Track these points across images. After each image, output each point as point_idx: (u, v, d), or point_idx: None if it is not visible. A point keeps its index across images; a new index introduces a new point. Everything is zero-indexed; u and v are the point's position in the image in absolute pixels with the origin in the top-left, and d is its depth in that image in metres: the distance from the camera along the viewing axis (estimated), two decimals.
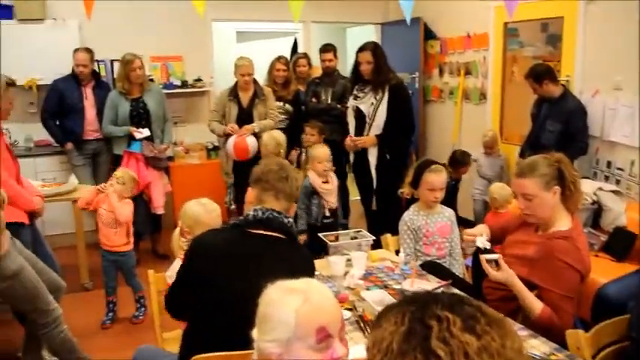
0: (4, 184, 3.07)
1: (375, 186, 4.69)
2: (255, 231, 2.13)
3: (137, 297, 4.14)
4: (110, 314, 4.07)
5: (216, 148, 6.12)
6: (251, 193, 2.34)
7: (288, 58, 5.90)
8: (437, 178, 3.22)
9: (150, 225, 5.21)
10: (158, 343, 2.65)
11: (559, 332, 2.19)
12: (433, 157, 4.93)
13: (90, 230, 4.95)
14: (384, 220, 4.51)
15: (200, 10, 2.86)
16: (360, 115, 4.61)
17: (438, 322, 0.90)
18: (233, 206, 5.24)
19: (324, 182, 4.18)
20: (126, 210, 3.93)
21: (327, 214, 4.25)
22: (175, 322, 2.79)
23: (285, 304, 1.32)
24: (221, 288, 2.02)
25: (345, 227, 4.49)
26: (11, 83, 3.47)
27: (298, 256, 2.18)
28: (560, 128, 4.53)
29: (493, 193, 4.59)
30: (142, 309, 4.14)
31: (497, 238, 2.87)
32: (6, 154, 3.40)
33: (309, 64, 5.90)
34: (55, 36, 5.57)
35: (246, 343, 1.76)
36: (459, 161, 5.25)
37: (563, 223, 2.49)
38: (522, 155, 5.01)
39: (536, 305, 2.34)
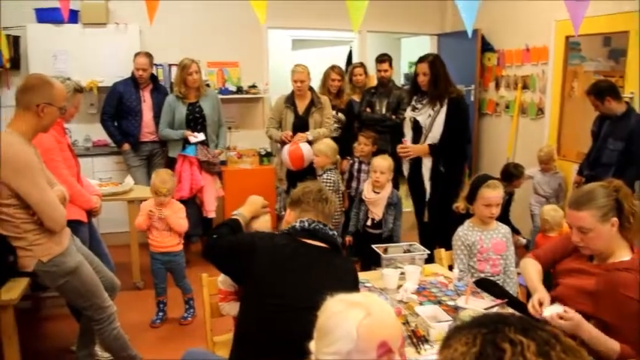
0: (66, 183, 3.15)
1: (427, 198, 4.64)
2: (304, 240, 2.19)
3: (186, 298, 4.19)
4: (160, 314, 4.14)
5: (268, 154, 6.17)
6: (290, 215, 2.38)
7: (344, 66, 5.92)
8: (493, 193, 3.16)
9: (201, 228, 5.28)
10: (208, 346, 2.67)
11: None
12: (486, 171, 4.88)
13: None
14: (435, 234, 4.46)
15: (261, 17, 2.88)
16: (417, 127, 4.56)
17: (511, 346, 0.88)
18: (284, 213, 5.25)
19: (375, 192, 4.18)
20: (182, 220, 4.05)
21: (369, 223, 4.25)
22: (226, 325, 2.83)
23: (348, 318, 1.31)
24: (276, 294, 2.04)
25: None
26: (79, 89, 3.57)
27: (344, 267, 2.23)
28: (621, 147, 4.37)
29: (544, 215, 4.40)
30: (191, 310, 4.19)
31: (548, 264, 2.75)
32: (68, 153, 3.50)
33: (366, 74, 5.90)
34: (116, 40, 5.73)
35: (298, 352, 1.78)
36: (511, 174, 5.12)
37: (622, 253, 2.34)
38: (581, 173, 4.90)
39: (614, 345, 2.15)
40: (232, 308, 2.58)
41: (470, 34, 2.78)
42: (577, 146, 5.33)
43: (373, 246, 3.09)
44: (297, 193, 2.36)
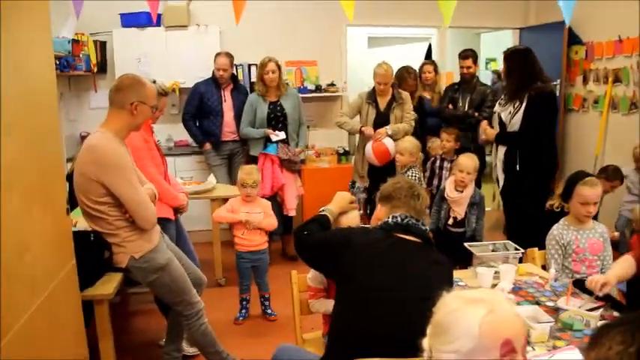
0: (154, 181, 3.22)
1: (500, 189, 4.54)
2: (399, 235, 2.16)
3: (266, 295, 4.21)
4: (243, 311, 4.18)
5: (346, 153, 6.14)
6: (380, 210, 2.35)
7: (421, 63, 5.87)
8: (591, 191, 3.02)
9: (281, 227, 5.29)
10: (297, 342, 2.66)
11: None
12: (571, 170, 4.62)
13: (224, 228, 5.13)
14: (515, 231, 4.32)
15: (349, 14, 2.84)
16: (502, 122, 4.42)
17: None
18: (361, 211, 5.21)
19: (458, 191, 4.07)
20: (272, 219, 4.13)
21: (450, 222, 4.14)
22: (314, 323, 2.81)
23: (469, 314, 1.25)
24: (373, 289, 2.01)
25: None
26: (164, 93, 3.64)
27: (439, 262, 2.18)
28: None
29: (637, 214, 4.15)
30: (268, 308, 4.22)
31: None
32: (155, 152, 3.58)
33: (436, 72, 5.83)
34: (197, 41, 5.83)
35: (399, 347, 1.74)
36: (609, 176, 4.86)
37: None
38: None
39: None
40: (322, 305, 2.58)
41: (568, 23, 2.65)
42: None
43: (465, 244, 2.99)
44: (389, 189, 2.33)
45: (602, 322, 2.22)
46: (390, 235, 2.15)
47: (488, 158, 5.70)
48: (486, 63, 9.40)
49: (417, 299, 1.86)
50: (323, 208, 2.56)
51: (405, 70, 5.68)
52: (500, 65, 6.96)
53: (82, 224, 2.99)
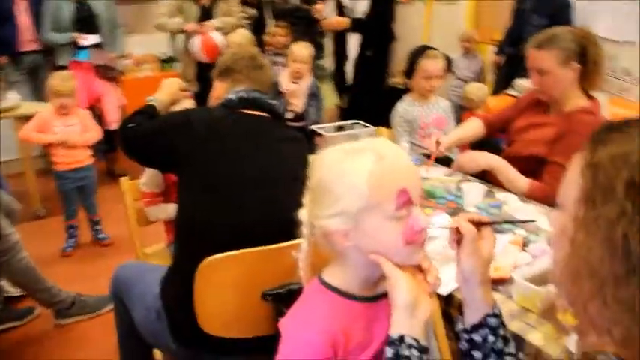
0: None
1: (351, 81, 4.45)
2: (245, 111, 1.86)
3: (96, 219, 3.77)
4: (71, 240, 3.69)
5: (170, 60, 5.60)
6: (219, 88, 2.03)
7: None
8: (434, 64, 3.00)
9: (103, 143, 4.71)
10: (139, 258, 2.31)
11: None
12: (401, 61, 4.65)
13: (37, 156, 4.49)
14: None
15: None
16: (341, 6, 4.25)
17: None
18: None
19: (294, 83, 3.85)
20: (93, 133, 3.65)
21: (290, 116, 3.91)
22: (155, 236, 2.48)
23: (354, 167, 0.99)
24: (219, 173, 1.70)
25: None
26: None
27: (293, 136, 1.94)
28: (545, 22, 4.25)
29: (469, 94, 4.40)
30: (101, 232, 3.80)
31: (496, 124, 2.64)
32: None
33: None
34: None
35: (266, 232, 1.53)
36: None
37: (579, 101, 2.25)
38: (500, 53, 4.87)
39: (522, 182, 2.21)
40: (162, 212, 2.28)
41: None
42: (494, 29, 5.20)
43: (313, 127, 2.79)
44: (227, 62, 2.01)
45: (467, 183, 2.18)
46: (235, 112, 1.84)
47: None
48: None
49: (274, 179, 1.61)
50: (150, 98, 2.15)
51: None
52: None
53: None
